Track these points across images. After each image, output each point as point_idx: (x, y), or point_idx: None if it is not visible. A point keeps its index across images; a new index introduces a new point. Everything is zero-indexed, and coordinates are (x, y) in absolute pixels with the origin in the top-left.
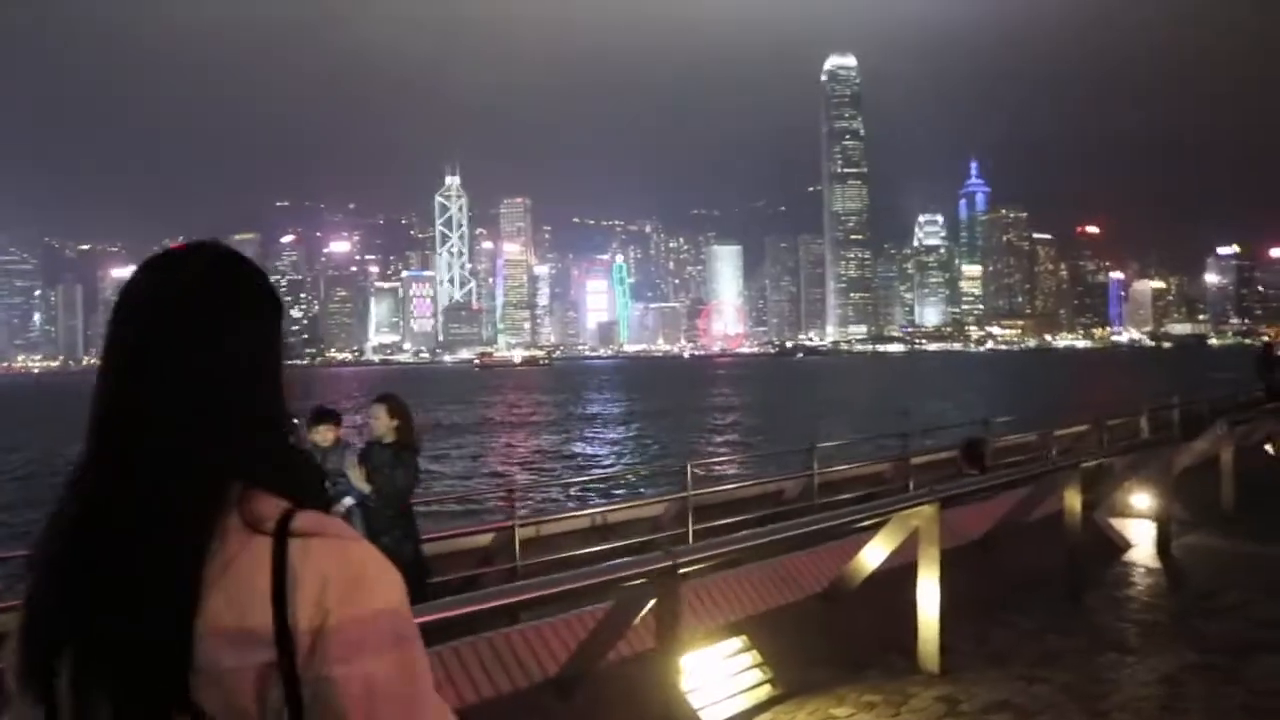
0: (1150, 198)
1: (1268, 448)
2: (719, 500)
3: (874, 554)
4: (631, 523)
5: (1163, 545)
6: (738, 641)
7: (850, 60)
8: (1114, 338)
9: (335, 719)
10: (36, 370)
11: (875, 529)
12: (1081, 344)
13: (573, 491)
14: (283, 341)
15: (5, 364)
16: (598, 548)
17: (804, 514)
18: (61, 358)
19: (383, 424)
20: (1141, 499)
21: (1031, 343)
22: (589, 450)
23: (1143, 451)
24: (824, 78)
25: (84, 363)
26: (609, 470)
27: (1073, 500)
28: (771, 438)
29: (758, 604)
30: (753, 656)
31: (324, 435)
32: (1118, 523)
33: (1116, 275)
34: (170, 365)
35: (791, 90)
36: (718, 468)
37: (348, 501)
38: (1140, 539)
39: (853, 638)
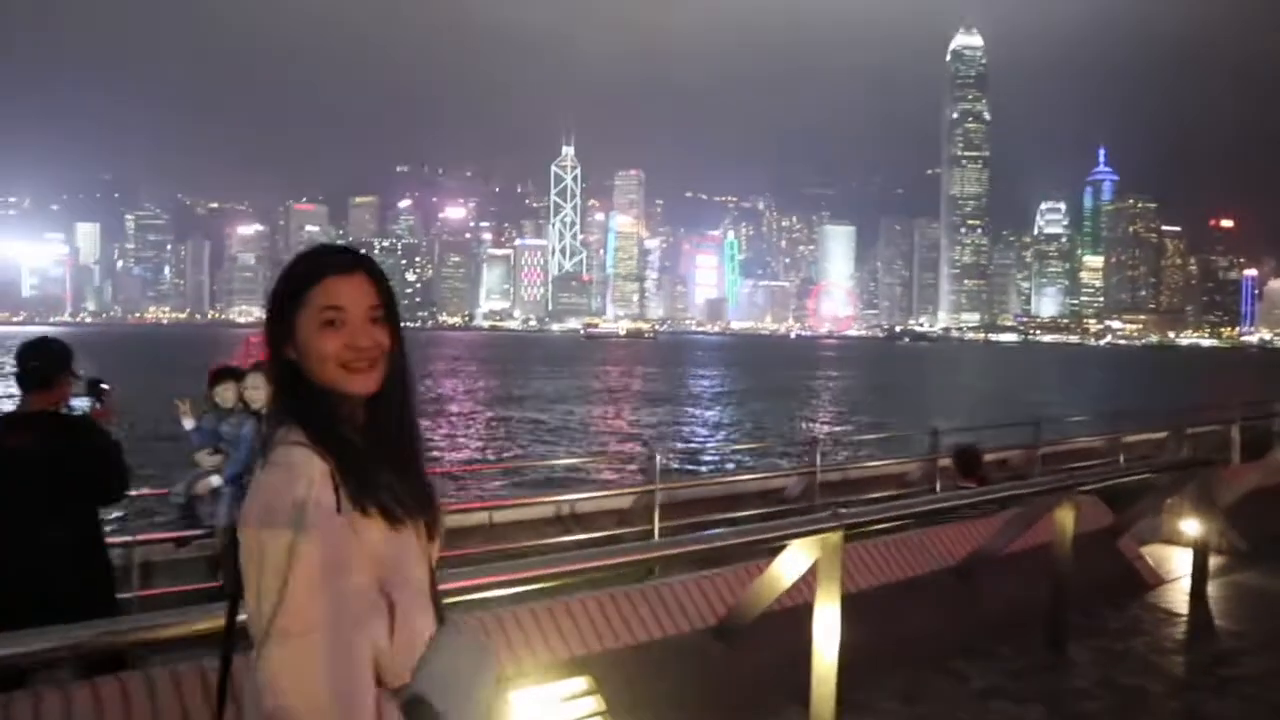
0: None
1: None
2: (694, 496)
3: (770, 585)
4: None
5: (1198, 584)
6: (580, 682)
7: (977, 40)
8: (1244, 338)
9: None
10: (165, 321)
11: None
12: (1207, 343)
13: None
14: (270, 332)
15: (138, 314)
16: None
17: (783, 516)
18: (189, 310)
19: (263, 392)
20: (1190, 525)
21: (1153, 339)
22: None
23: (1184, 470)
24: (949, 57)
25: (209, 316)
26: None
27: (1064, 526)
28: (790, 429)
29: (610, 638)
30: (595, 702)
31: (224, 395)
32: (1155, 552)
33: (1250, 272)
34: None
35: (914, 69)
36: (694, 459)
37: (215, 481)
38: (1177, 573)
39: (740, 684)
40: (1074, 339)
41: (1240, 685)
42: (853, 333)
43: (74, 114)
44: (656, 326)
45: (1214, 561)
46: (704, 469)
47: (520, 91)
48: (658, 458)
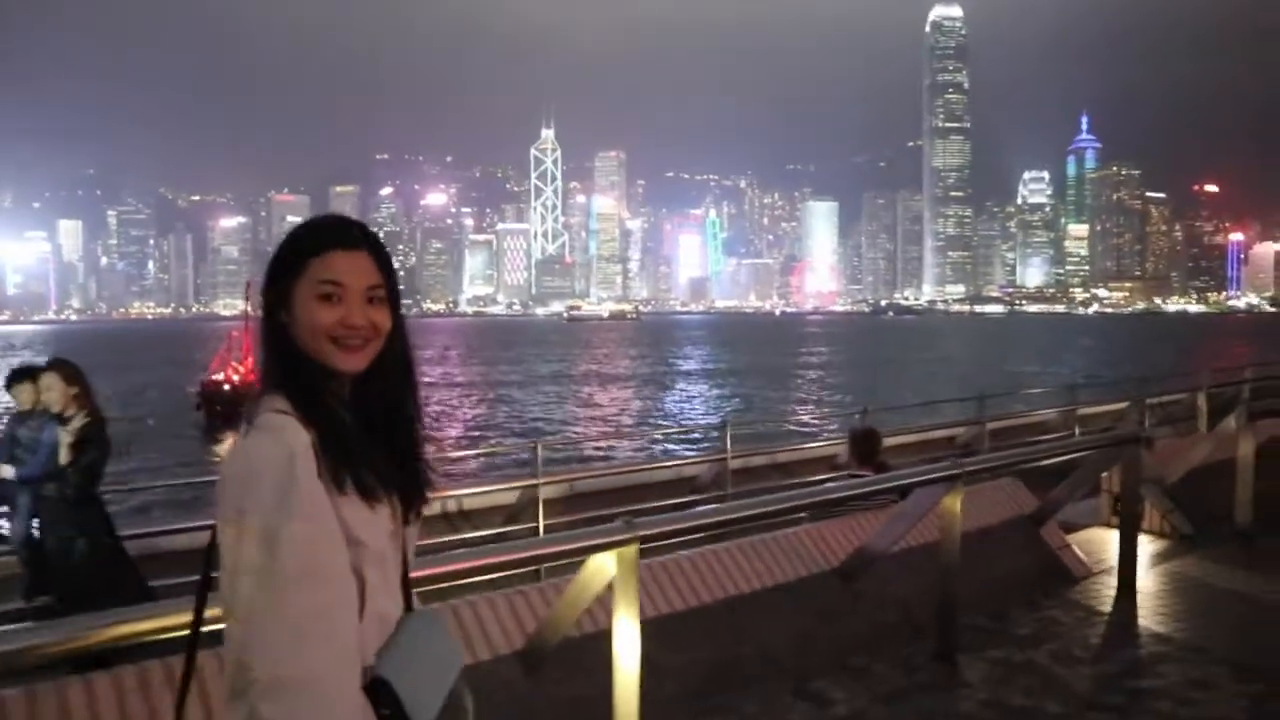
0: (1276, 155)
1: None
2: (597, 488)
3: (571, 605)
4: (486, 511)
5: (1126, 575)
6: None
7: (956, 10)
8: (1230, 302)
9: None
10: (150, 316)
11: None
12: (1195, 308)
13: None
14: (266, 297)
15: (122, 310)
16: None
17: (683, 507)
18: (173, 305)
19: (58, 393)
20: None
21: (1140, 306)
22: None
23: (1115, 447)
24: (928, 29)
25: (193, 310)
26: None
27: (950, 518)
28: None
29: None
30: None
31: (21, 396)
32: (1092, 538)
33: (1236, 237)
34: None
35: (894, 42)
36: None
37: (6, 470)
38: (1112, 562)
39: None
40: (1060, 308)
41: (1153, 700)
42: (838, 308)
43: (54, 112)
44: (640, 307)
45: (1155, 546)
46: (617, 458)
47: (499, 76)
48: (539, 449)
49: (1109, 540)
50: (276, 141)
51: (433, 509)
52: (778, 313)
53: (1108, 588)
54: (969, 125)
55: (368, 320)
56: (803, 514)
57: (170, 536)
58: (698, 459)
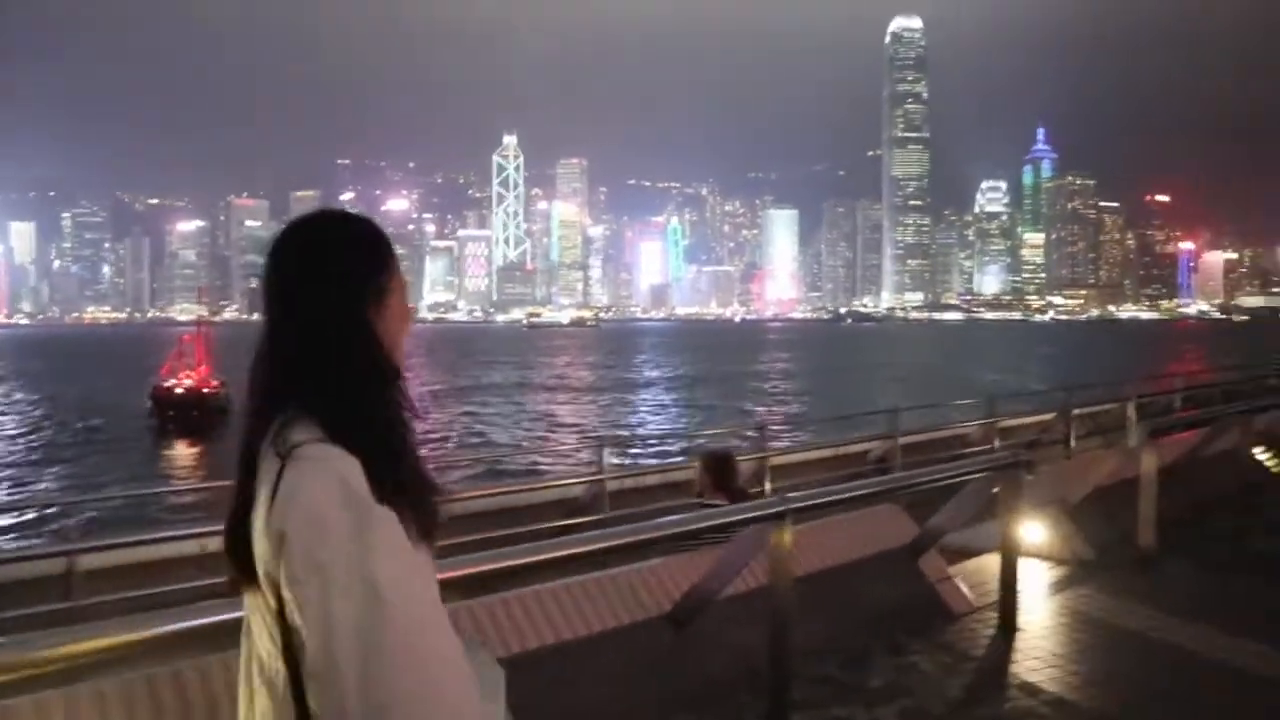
0: (1225, 166)
1: (1258, 451)
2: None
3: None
4: None
5: (1006, 613)
6: None
7: (916, 22)
8: (1181, 309)
9: (304, 636)
10: (104, 321)
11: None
12: (1147, 315)
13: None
14: (353, 293)
15: (76, 314)
16: None
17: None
18: (128, 310)
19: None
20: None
21: (1094, 313)
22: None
23: (1001, 469)
24: (888, 39)
25: (149, 315)
26: None
27: (780, 557)
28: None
29: None
30: None
31: None
32: (982, 568)
33: (1186, 245)
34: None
35: (854, 52)
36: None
37: None
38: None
39: None
40: (1017, 315)
41: None
42: (798, 315)
43: (5, 112)
44: (600, 314)
45: (1051, 574)
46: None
47: (461, 81)
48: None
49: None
50: (236, 145)
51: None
52: (738, 320)
53: (987, 626)
54: (928, 135)
55: None
56: (650, 547)
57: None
58: (574, 480)
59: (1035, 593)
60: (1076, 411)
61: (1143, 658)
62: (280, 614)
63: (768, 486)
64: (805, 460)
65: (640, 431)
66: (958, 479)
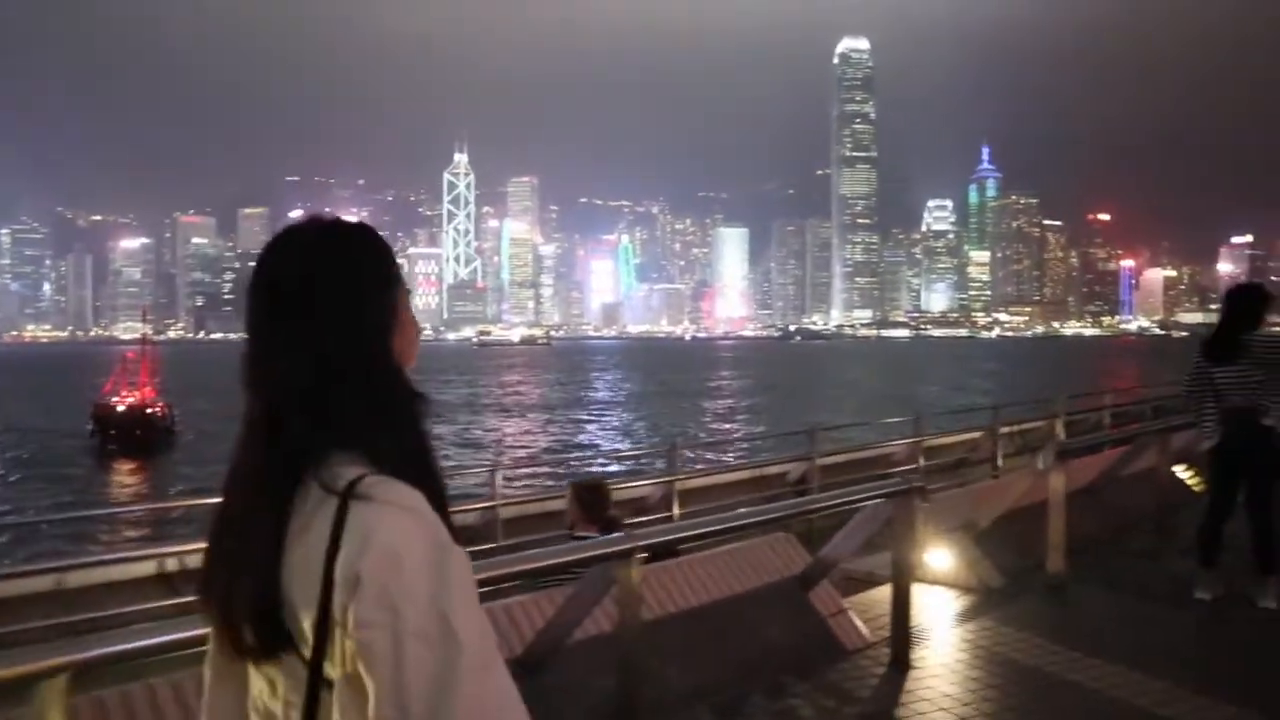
0: (1164, 186)
1: (1179, 469)
2: None
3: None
4: None
5: (899, 650)
6: None
7: (863, 43)
8: (1123, 326)
9: (371, 682)
10: (45, 339)
11: None
12: (1090, 332)
13: None
14: (385, 309)
15: (15, 333)
16: None
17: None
18: (70, 328)
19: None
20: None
21: (1039, 329)
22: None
23: (892, 496)
24: (836, 60)
25: (91, 333)
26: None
27: (626, 593)
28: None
29: None
30: None
31: None
32: (882, 600)
33: (1127, 263)
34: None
35: (803, 73)
36: None
37: None
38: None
39: None
40: (963, 333)
41: None
42: (748, 333)
43: None
44: (551, 332)
45: (957, 604)
46: None
47: (412, 99)
48: None
49: (912, 599)
50: (183, 161)
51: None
52: (688, 337)
53: (878, 664)
54: (875, 155)
55: None
56: (515, 582)
57: None
58: (470, 506)
59: (936, 624)
60: (1005, 429)
61: (1041, 696)
62: (316, 668)
63: (676, 511)
64: (720, 483)
65: (550, 454)
66: (848, 506)
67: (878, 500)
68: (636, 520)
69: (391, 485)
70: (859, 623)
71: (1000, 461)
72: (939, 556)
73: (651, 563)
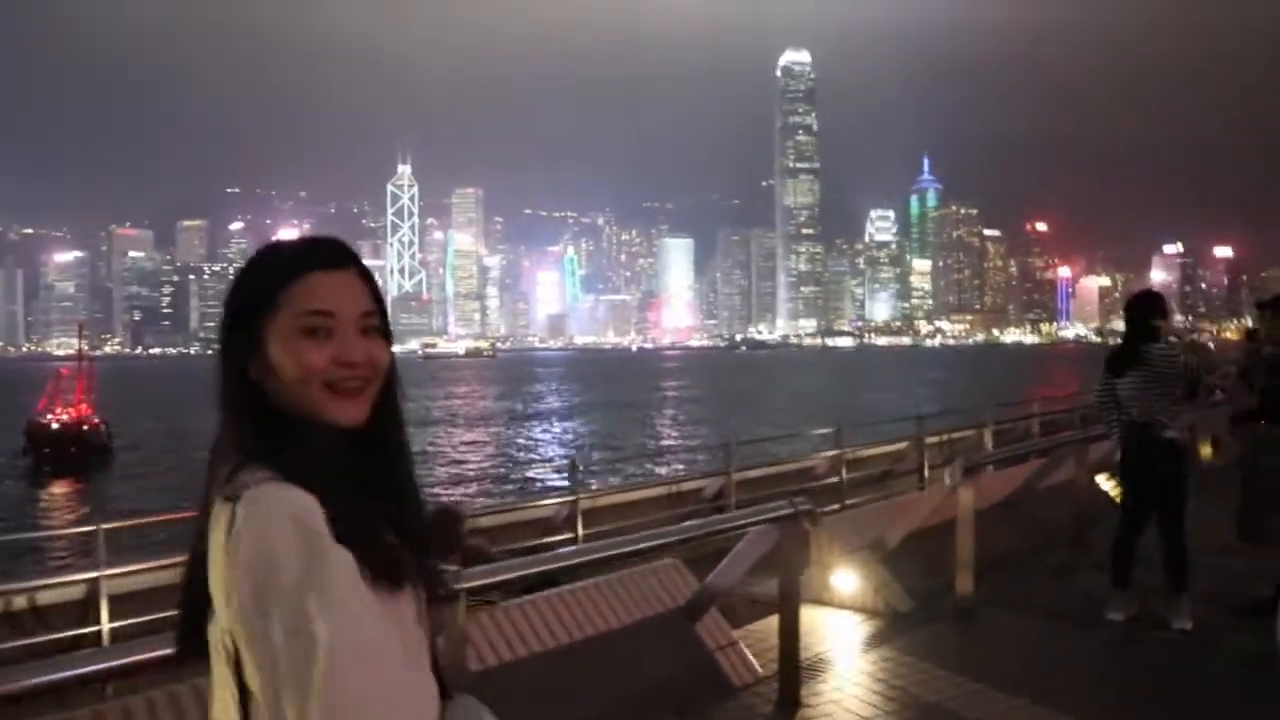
0: (1099, 196)
1: (1102, 480)
2: None
3: None
4: None
5: (787, 686)
6: None
7: (805, 56)
8: (1061, 333)
9: (255, 678)
10: None
11: None
12: (1030, 339)
13: None
14: (248, 333)
15: None
16: None
17: None
18: (1, 344)
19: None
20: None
21: (980, 337)
22: None
23: (780, 519)
24: (778, 73)
25: (24, 349)
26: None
27: (457, 644)
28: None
29: None
30: None
31: None
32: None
33: (1065, 272)
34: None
35: (747, 85)
36: None
37: None
38: (804, 656)
39: None
40: (907, 341)
41: None
42: (694, 343)
43: None
44: (497, 344)
45: (862, 630)
46: None
47: (355, 110)
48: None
49: (815, 627)
50: (118, 172)
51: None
52: (634, 348)
53: (767, 701)
54: (819, 166)
55: (366, 355)
56: None
57: None
58: None
59: (838, 654)
60: (932, 439)
61: None
62: (239, 671)
63: (580, 532)
64: (630, 501)
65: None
66: (733, 530)
67: (763, 526)
68: (529, 545)
69: (277, 486)
70: (749, 656)
71: (926, 473)
72: (844, 579)
73: (531, 593)
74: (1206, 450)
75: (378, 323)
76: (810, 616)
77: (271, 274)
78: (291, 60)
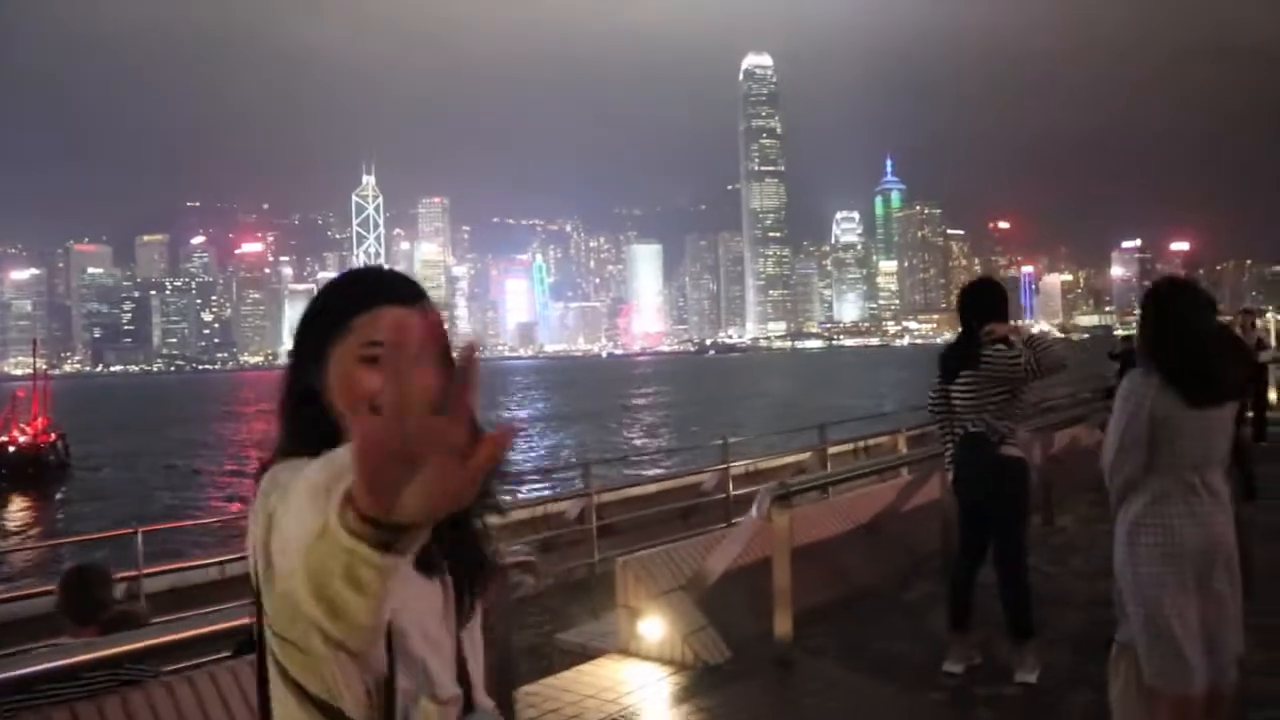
0: (1059, 193)
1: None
2: None
3: None
4: None
5: None
6: None
7: (767, 60)
8: (1027, 330)
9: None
10: None
11: None
12: None
13: None
14: (312, 332)
15: None
16: None
17: None
18: None
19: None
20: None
21: (947, 336)
22: None
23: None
24: (741, 77)
25: None
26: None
27: None
28: None
29: None
30: None
31: None
32: (588, 677)
33: (1028, 269)
34: None
35: (710, 89)
36: None
37: None
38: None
39: None
40: (875, 341)
41: None
42: (665, 348)
43: None
44: None
45: (668, 685)
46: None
47: (318, 120)
48: None
49: (615, 682)
50: (75, 187)
51: None
52: (604, 355)
53: None
54: (783, 169)
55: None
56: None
57: None
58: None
59: (634, 713)
60: (835, 450)
61: None
62: (285, 674)
63: None
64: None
65: None
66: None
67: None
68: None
69: (295, 460)
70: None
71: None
72: (652, 626)
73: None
74: None
75: (438, 359)
76: (613, 670)
77: (349, 302)
78: (251, 71)
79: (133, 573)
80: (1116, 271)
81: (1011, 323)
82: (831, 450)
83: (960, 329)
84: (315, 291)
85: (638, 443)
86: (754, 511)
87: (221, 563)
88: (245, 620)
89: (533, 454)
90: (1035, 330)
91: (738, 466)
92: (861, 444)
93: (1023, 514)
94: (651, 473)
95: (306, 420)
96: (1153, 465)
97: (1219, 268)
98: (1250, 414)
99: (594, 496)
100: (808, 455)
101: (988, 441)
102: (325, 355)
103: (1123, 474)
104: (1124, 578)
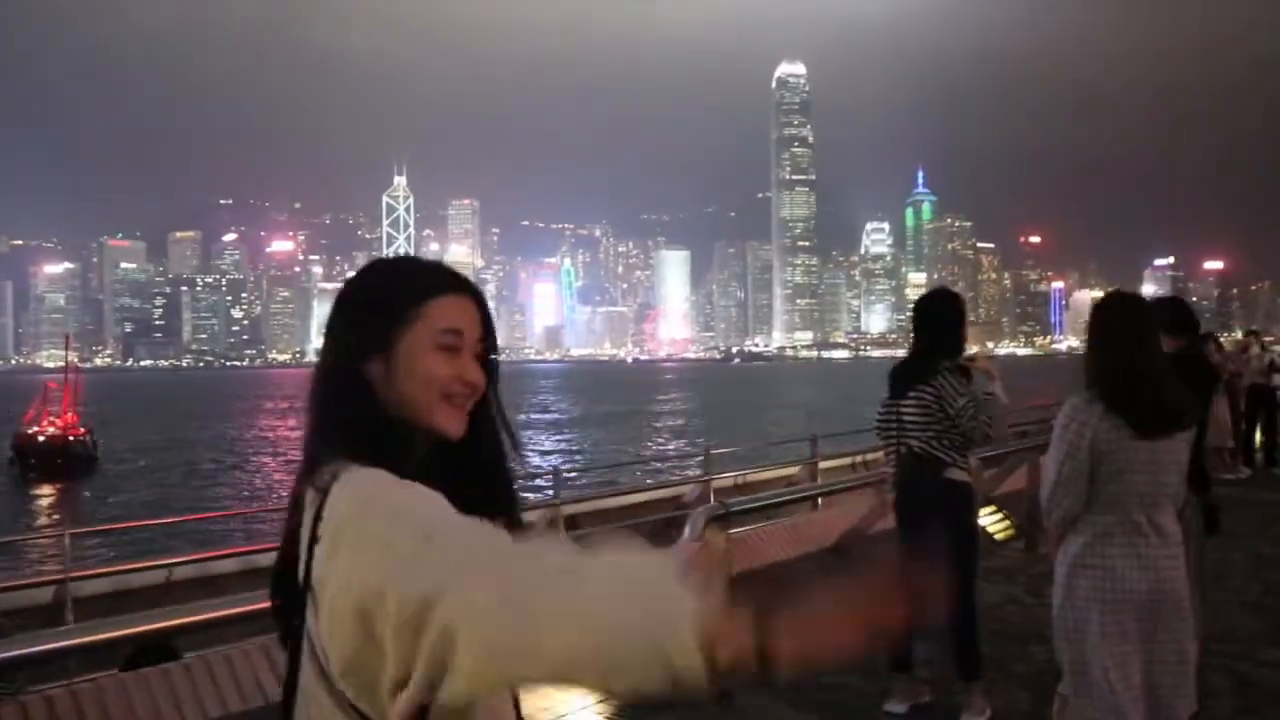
0: (1091, 209)
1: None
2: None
3: None
4: None
5: None
6: None
7: (800, 68)
8: (1055, 346)
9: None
10: None
11: None
12: (1023, 351)
13: None
14: (363, 334)
15: None
16: None
17: None
18: None
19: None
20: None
21: (975, 350)
22: None
23: None
24: (774, 85)
25: (13, 361)
26: None
27: None
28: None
29: None
30: None
31: None
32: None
33: (1058, 284)
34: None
35: (743, 97)
36: None
37: None
38: None
39: None
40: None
41: None
42: (690, 355)
43: None
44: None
45: (602, 715)
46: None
47: (350, 121)
48: None
49: (540, 704)
50: (110, 183)
51: None
52: (630, 360)
53: None
54: (814, 178)
55: (477, 377)
56: None
57: None
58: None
59: None
60: (827, 464)
61: None
62: (301, 622)
63: None
64: None
65: None
66: None
67: None
68: None
69: (363, 470)
70: None
71: (819, 501)
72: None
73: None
74: None
75: (482, 350)
76: (536, 701)
77: (412, 289)
78: (286, 73)
79: (59, 575)
80: (1148, 289)
81: (987, 361)
82: (823, 465)
83: (915, 342)
84: (354, 281)
85: (630, 450)
86: (687, 533)
87: (169, 565)
88: (128, 630)
89: (533, 455)
90: (995, 388)
91: (724, 479)
92: (860, 458)
93: (967, 543)
94: (636, 483)
95: (378, 421)
96: (1094, 500)
97: (1254, 287)
98: (1262, 437)
99: (562, 508)
100: (798, 469)
101: (932, 463)
102: (391, 342)
103: (1061, 509)
104: (1059, 624)
